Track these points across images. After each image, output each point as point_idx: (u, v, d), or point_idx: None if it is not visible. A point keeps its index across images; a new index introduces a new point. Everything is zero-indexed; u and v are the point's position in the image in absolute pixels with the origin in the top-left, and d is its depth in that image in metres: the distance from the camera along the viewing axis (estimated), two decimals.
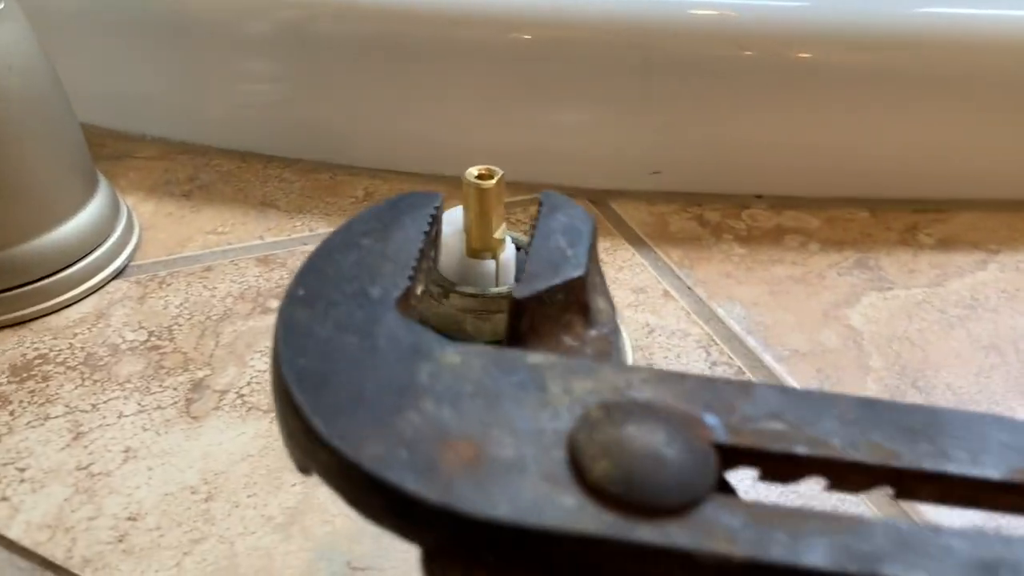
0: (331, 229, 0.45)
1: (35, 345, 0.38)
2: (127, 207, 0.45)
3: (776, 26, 0.46)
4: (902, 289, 0.43)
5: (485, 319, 0.33)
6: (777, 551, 0.16)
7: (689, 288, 0.42)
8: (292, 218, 0.46)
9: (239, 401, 0.35)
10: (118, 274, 0.42)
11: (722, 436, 0.18)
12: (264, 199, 0.48)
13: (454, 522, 0.16)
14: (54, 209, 0.40)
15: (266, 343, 0.38)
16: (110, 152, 0.52)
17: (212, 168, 0.51)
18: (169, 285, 0.41)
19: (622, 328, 0.36)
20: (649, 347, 0.38)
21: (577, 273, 0.22)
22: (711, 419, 0.18)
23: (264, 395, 0.35)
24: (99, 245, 0.41)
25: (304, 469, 0.19)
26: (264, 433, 0.33)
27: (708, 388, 0.19)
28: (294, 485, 0.31)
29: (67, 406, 0.35)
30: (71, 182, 0.41)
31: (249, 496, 0.31)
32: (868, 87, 0.47)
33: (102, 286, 0.41)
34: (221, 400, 0.35)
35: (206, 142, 0.53)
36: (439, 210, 0.24)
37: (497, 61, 0.48)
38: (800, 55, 0.46)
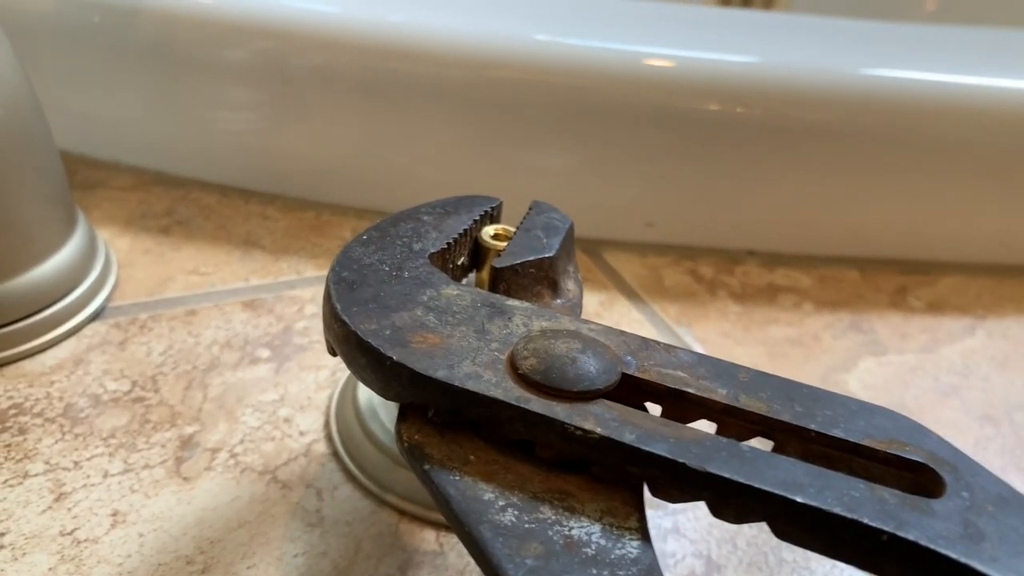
0: (319, 273, 0.44)
1: (9, 393, 0.35)
2: (104, 243, 0.43)
3: (774, 86, 0.46)
4: (896, 354, 0.43)
5: None
6: (630, 437, 0.21)
7: (690, 348, 0.41)
8: (278, 259, 0.45)
9: (232, 461, 0.33)
10: (96, 316, 0.39)
11: (630, 369, 0.23)
12: (247, 238, 0.46)
13: (407, 378, 0.22)
14: (34, 246, 0.38)
15: (257, 397, 0.36)
16: (83, 180, 0.50)
17: (190, 201, 0.49)
18: (151, 330, 0.39)
19: None
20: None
21: (548, 254, 0.28)
22: (628, 358, 0.24)
23: (259, 455, 0.33)
24: (77, 285, 0.39)
25: (332, 351, 0.25)
26: (260, 497, 0.32)
27: (640, 341, 0.25)
28: (295, 556, 0.30)
29: (47, 463, 0.32)
30: (51, 218, 0.39)
31: (248, 568, 0.29)
32: (859, 149, 0.47)
33: (79, 329, 0.39)
34: (213, 459, 0.33)
35: (183, 173, 0.51)
36: (496, 210, 0.31)
37: (487, 101, 0.47)
38: (794, 115, 0.46)
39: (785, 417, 0.22)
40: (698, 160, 0.47)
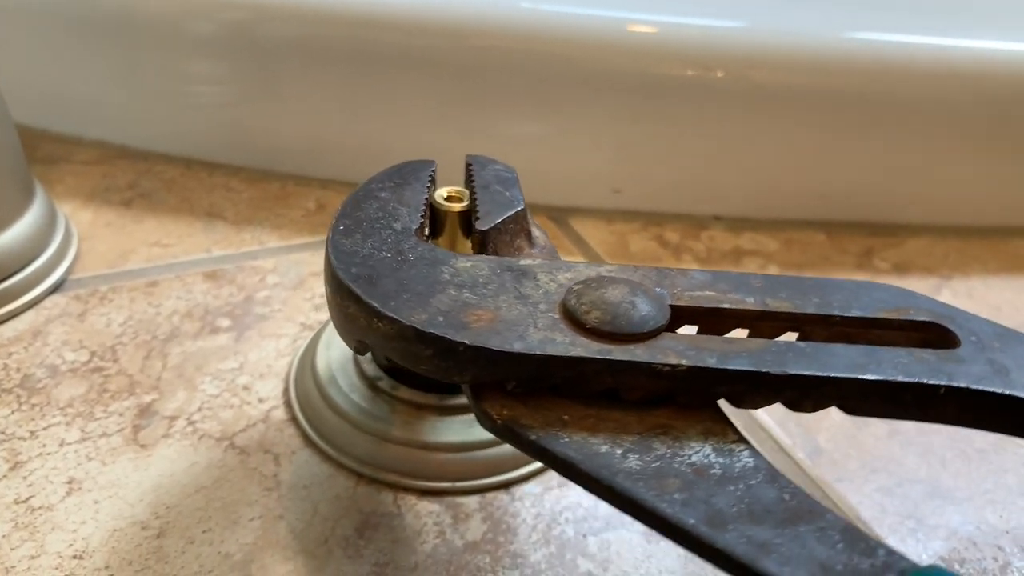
0: (282, 243, 0.44)
1: None
2: (64, 216, 0.43)
3: (737, 48, 0.46)
4: None
5: None
6: (711, 361, 0.22)
7: None
8: (240, 231, 0.44)
9: (190, 428, 0.33)
10: (56, 288, 0.39)
11: (668, 300, 0.25)
12: (210, 209, 0.46)
13: (485, 358, 0.22)
14: None
15: (217, 365, 0.36)
16: (45, 155, 0.49)
17: (154, 175, 0.48)
18: (111, 301, 0.39)
19: None
20: None
21: (520, 207, 0.28)
22: (660, 290, 0.25)
23: (217, 422, 0.33)
24: (35, 257, 0.39)
25: (361, 348, 0.24)
26: (218, 463, 0.32)
27: (655, 272, 0.26)
28: (251, 520, 0.30)
29: (3, 433, 0.32)
30: (5, 190, 0.38)
31: (204, 532, 0.29)
32: (825, 111, 0.47)
33: (38, 302, 0.38)
34: (171, 427, 0.33)
35: (147, 147, 0.50)
36: (435, 172, 0.31)
37: (454, 70, 0.47)
38: (758, 77, 0.46)
39: (810, 310, 0.25)
40: (665, 125, 0.47)
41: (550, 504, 0.31)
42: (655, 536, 0.30)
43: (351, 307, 0.24)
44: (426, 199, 0.29)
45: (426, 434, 0.32)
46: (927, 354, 0.23)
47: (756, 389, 0.23)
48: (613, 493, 0.21)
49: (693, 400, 0.23)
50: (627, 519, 0.31)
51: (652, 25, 0.46)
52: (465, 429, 0.32)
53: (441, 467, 0.31)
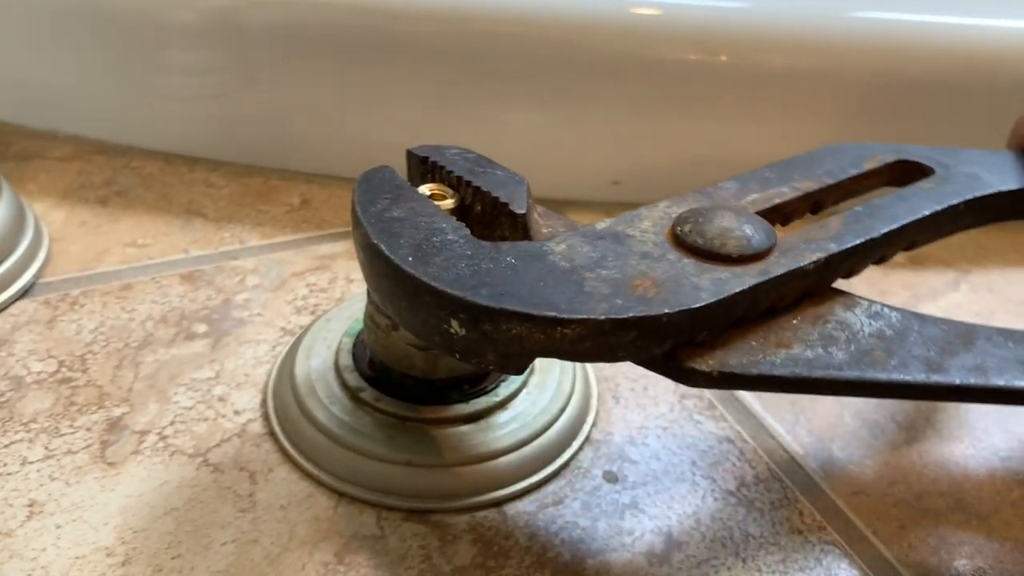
0: (264, 241, 0.41)
1: None
2: (34, 216, 0.40)
3: (742, 30, 0.44)
4: None
5: (438, 356, 0.30)
6: (834, 247, 0.26)
7: None
8: (220, 228, 0.42)
9: (161, 444, 0.31)
10: (24, 293, 0.37)
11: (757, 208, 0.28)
12: (189, 206, 0.44)
13: (688, 319, 0.23)
14: None
15: (192, 375, 0.34)
16: (17, 151, 0.47)
17: (132, 171, 0.46)
18: (82, 306, 0.37)
19: None
20: (614, 377, 0.35)
21: (523, 182, 0.27)
22: (736, 204, 0.28)
23: (190, 437, 0.31)
24: (1, 261, 0.37)
25: (519, 369, 0.24)
26: (190, 482, 0.30)
27: (703, 194, 0.29)
28: (224, 544, 0.27)
29: None
30: None
31: (173, 558, 0.27)
32: (834, 96, 0.44)
33: (4, 307, 0.36)
34: (141, 443, 0.31)
35: (125, 141, 0.48)
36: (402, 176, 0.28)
37: (446, 56, 0.45)
38: (764, 61, 0.44)
39: (827, 181, 0.30)
40: (667, 113, 0.45)
41: (545, 524, 0.29)
42: (656, 557, 0.28)
43: (516, 327, 0.22)
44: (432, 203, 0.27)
45: (411, 450, 0.30)
46: (927, 184, 0.30)
47: (865, 257, 0.27)
48: (853, 385, 0.24)
49: (821, 287, 0.26)
50: (626, 539, 0.29)
51: (655, 7, 0.44)
52: (453, 444, 0.30)
53: (427, 485, 0.29)
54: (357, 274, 0.39)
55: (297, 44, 0.45)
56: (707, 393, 0.35)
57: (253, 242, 0.41)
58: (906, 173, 0.32)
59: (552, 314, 0.22)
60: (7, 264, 0.37)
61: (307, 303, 0.38)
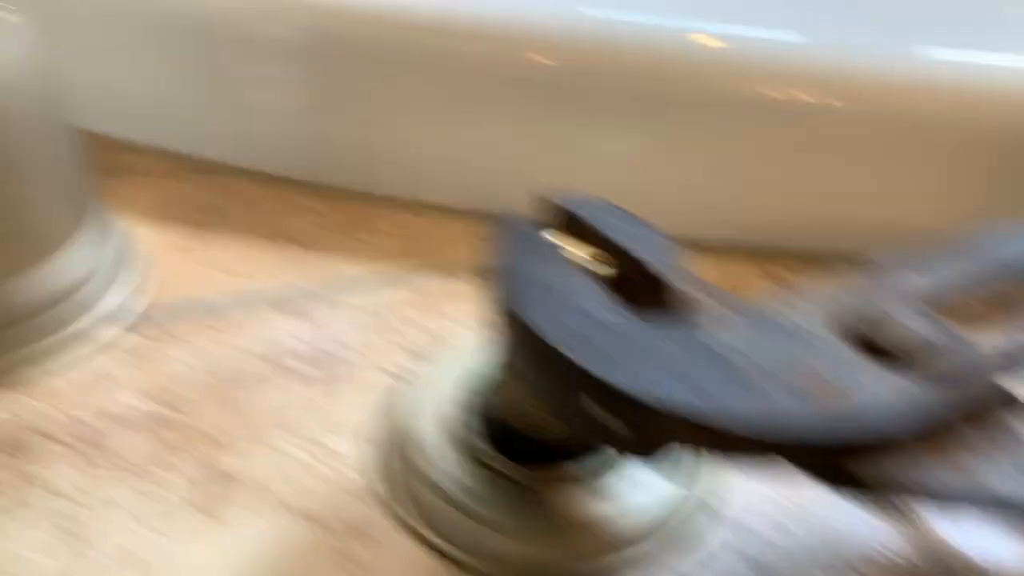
0: (367, 274, 0.39)
1: (14, 412, 0.31)
2: (128, 239, 0.39)
3: (866, 74, 0.41)
4: None
5: None
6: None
7: None
8: (322, 258, 0.40)
9: (265, 496, 0.29)
10: (115, 321, 0.35)
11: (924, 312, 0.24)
12: (287, 233, 0.42)
13: (873, 436, 0.21)
14: (39, 243, 0.33)
15: (296, 420, 0.32)
16: (110, 165, 0.45)
17: (230, 192, 0.44)
18: (179, 339, 0.35)
19: None
20: None
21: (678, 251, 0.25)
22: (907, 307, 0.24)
23: (295, 489, 0.29)
24: (92, 285, 0.35)
25: (656, 458, 0.22)
26: (298, 542, 0.28)
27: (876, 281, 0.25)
28: None
29: (54, 492, 0.28)
30: (60, 211, 0.35)
31: None
32: (967, 153, 0.42)
33: (95, 336, 0.34)
34: (245, 495, 0.29)
35: (223, 159, 0.46)
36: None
37: (554, 84, 0.42)
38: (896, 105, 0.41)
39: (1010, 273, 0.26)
40: (788, 161, 0.43)
41: None
42: None
43: (678, 428, 0.21)
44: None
45: (533, 516, 0.27)
46: None
47: None
48: None
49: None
50: None
51: (778, 45, 0.41)
52: (581, 515, 0.28)
53: (552, 556, 0.27)
54: (463, 315, 0.37)
55: (396, 67, 0.43)
56: None
57: (353, 273, 0.39)
58: None
59: (725, 425, 0.20)
60: (97, 289, 0.35)
61: (412, 344, 0.36)
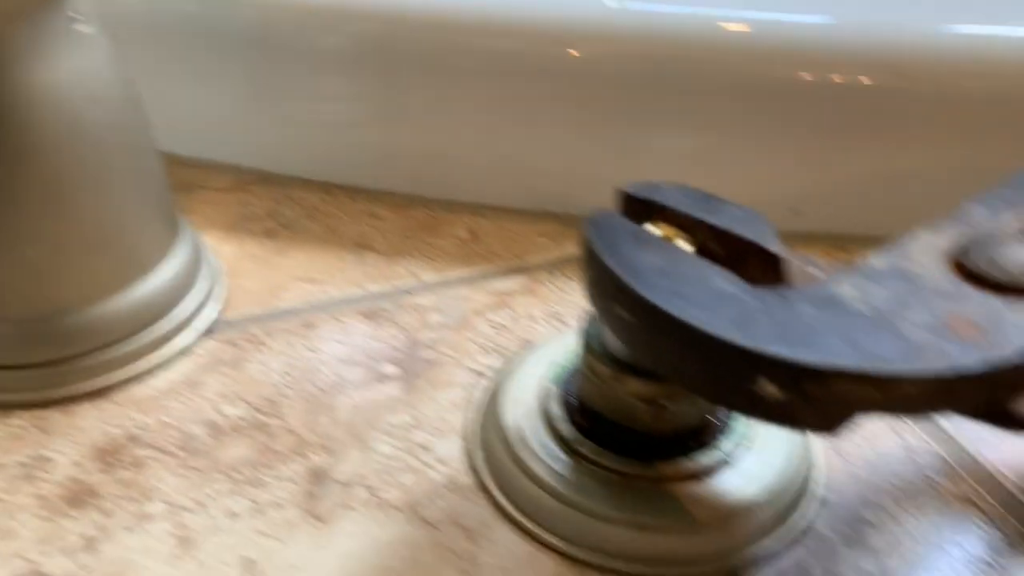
0: (437, 276, 0.40)
1: (120, 422, 0.32)
2: (209, 251, 0.40)
3: (923, 53, 0.41)
4: None
5: (664, 408, 0.28)
6: None
7: None
8: (392, 263, 0.41)
9: (369, 497, 0.30)
10: (207, 332, 0.36)
11: None
12: (358, 239, 0.42)
13: None
14: (137, 258, 0.34)
15: (388, 420, 0.32)
16: (178, 182, 0.46)
17: (293, 202, 0.45)
18: (266, 345, 0.36)
19: None
20: None
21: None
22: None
23: (398, 489, 0.30)
24: (185, 298, 0.36)
25: (837, 429, 0.21)
26: (406, 540, 0.28)
27: (957, 223, 0.25)
28: None
29: (167, 503, 0.29)
30: (155, 227, 0.35)
31: None
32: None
33: (190, 347, 0.35)
34: (348, 495, 0.30)
35: (283, 171, 0.47)
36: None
37: (606, 82, 0.43)
38: (954, 84, 0.41)
39: None
40: (851, 140, 0.43)
41: None
42: None
43: (846, 387, 0.20)
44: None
45: (639, 510, 0.28)
46: None
47: None
48: None
49: None
50: None
51: (837, 28, 0.41)
52: (683, 504, 0.28)
53: (657, 549, 0.28)
54: (539, 312, 0.38)
55: (453, 71, 0.44)
56: (938, 449, 0.32)
57: (427, 277, 0.40)
58: None
59: (891, 371, 0.20)
60: (190, 302, 0.36)
61: (494, 343, 0.36)
